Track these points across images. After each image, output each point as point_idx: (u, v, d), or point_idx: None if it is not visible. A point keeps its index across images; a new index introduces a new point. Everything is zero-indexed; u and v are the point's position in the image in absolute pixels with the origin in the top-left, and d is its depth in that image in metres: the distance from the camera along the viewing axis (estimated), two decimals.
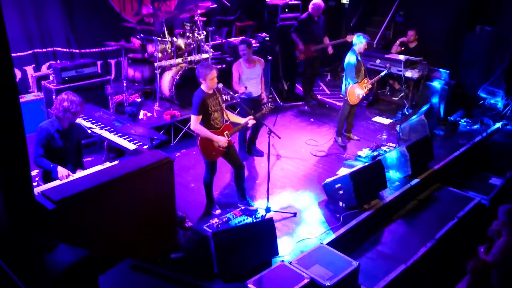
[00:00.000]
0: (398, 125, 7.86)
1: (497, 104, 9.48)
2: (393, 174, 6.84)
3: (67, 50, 8.23)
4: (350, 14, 10.88)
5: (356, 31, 7.83)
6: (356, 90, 7.35)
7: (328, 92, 10.27)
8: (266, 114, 6.26)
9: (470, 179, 7.33)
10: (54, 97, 6.47)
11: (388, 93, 10.00)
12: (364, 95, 7.50)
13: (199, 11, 8.09)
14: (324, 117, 8.95)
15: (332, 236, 5.54)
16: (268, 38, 9.13)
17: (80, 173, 4.77)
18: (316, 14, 8.93)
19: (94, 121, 5.98)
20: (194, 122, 5.47)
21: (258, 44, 8.72)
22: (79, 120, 5.70)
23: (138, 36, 8.09)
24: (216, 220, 5.61)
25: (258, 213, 5.80)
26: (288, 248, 5.31)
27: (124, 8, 8.73)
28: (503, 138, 8.37)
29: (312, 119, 8.87)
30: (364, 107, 9.28)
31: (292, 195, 6.40)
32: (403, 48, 9.38)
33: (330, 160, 7.38)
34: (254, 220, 5.61)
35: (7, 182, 2.68)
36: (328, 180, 6.17)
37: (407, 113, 8.39)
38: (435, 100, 8.70)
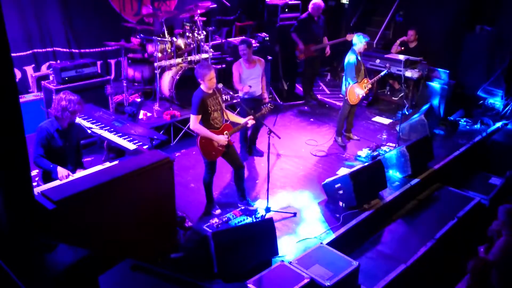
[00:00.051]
0: (398, 125, 7.86)
1: (497, 104, 9.48)
2: (393, 174, 6.84)
3: (67, 50, 8.22)
4: (350, 14, 10.87)
5: (356, 31, 7.83)
6: (356, 90, 7.35)
7: (328, 92, 10.27)
8: (265, 114, 6.26)
9: (470, 178, 7.33)
10: (54, 97, 6.46)
11: (388, 93, 10.00)
12: (364, 95, 7.50)
13: (199, 11, 8.09)
14: (324, 117, 8.95)
15: (332, 236, 5.54)
16: (268, 38, 9.13)
17: (80, 173, 4.77)
18: (316, 14, 8.93)
19: (94, 121, 5.98)
20: (194, 122, 5.48)
21: (258, 44, 8.72)
22: (79, 120, 5.70)
23: (138, 36, 8.09)
24: (216, 220, 5.61)
25: (258, 213, 5.80)
26: (288, 248, 5.31)
27: (124, 8, 8.73)
28: (503, 137, 8.37)
29: (312, 119, 8.87)
30: (364, 107, 9.28)
31: (292, 195, 6.40)
32: (403, 48, 9.37)
33: (330, 160, 7.38)
34: (254, 220, 5.61)
35: (7, 182, 2.68)
36: (328, 180, 6.18)
37: (407, 113, 8.38)
38: (435, 100, 8.70)
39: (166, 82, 7.96)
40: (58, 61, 7.90)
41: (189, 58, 8.19)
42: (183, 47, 8.22)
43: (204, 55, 8.31)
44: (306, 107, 9.38)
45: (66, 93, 4.89)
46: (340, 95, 8.72)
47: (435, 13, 9.60)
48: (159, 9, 8.77)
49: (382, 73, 7.74)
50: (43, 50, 8.00)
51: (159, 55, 7.84)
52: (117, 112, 7.51)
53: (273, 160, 7.07)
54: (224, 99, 7.44)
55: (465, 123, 8.78)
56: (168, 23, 8.37)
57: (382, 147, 7.52)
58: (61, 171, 4.70)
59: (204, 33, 8.23)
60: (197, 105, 5.41)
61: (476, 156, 7.98)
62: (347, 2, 10.82)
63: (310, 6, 8.95)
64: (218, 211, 5.86)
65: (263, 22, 10.11)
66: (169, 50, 7.94)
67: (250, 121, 5.86)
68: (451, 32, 9.64)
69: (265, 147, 5.88)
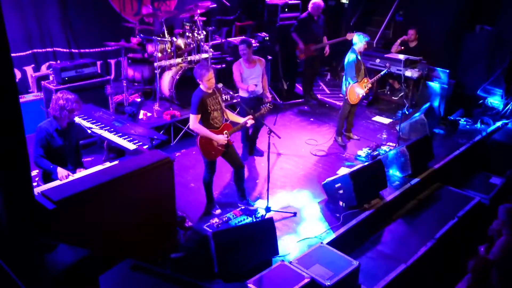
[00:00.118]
0: (398, 125, 7.86)
1: (497, 103, 9.48)
2: (393, 174, 6.84)
3: (67, 50, 8.22)
4: (350, 14, 10.87)
5: (356, 31, 7.83)
6: (356, 89, 7.35)
7: (328, 92, 10.26)
8: (265, 114, 6.26)
9: (470, 178, 7.33)
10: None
11: (388, 92, 10.00)
12: (364, 94, 7.51)
13: (198, 11, 8.09)
14: (324, 117, 8.95)
15: (332, 235, 5.54)
16: (267, 38, 9.13)
17: (80, 173, 4.77)
18: (316, 13, 8.93)
19: (94, 121, 5.98)
20: (193, 121, 5.48)
21: (258, 44, 8.72)
22: (79, 120, 5.70)
23: (138, 36, 8.09)
24: (216, 220, 5.61)
25: (258, 212, 5.80)
26: (288, 248, 5.31)
27: (124, 8, 8.73)
28: (503, 137, 8.37)
29: (312, 119, 8.87)
30: (364, 107, 9.28)
31: (292, 194, 6.40)
32: (403, 48, 9.37)
33: (330, 159, 7.38)
34: (254, 220, 5.61)
35: (7, 182, 2.68)
36: (328, 179, 6.18)
37: (407, 113, 8.39)
38: (435, 99, 8.70)
39: (166, 82, 7.95)
40: (58, 61, 7.90)
41: (189, 58, 8.19)
42: (183, 47, 8.22)
43: (204, 55, 8.31)
44: (306, 107, 9.38)
45: (63, 93, 4.91)
46: (340, 95, 8.72)
47: (435, 12, 9.60)
48: (159, 9, 8.77)
49: (382, 73, 7.74)
50: (43, 50, 7.99)
51: (159, 55, 7.84)
52: (117, 112, 7.50)
53: (273, 160, 7.07)
54: (224, 99, 7.44)
55: (465, 122, 8.78)
56: (168, 23, 8.37)
57: (382, 147, 7.52)
58: (61, 171, 4.70)
59: (204, 33, 8.23)
60: (196, 104, 5.41)
61: (476, 156, 7.98)
62: (347, 2, 10.81)
63: (310, 5, 8.94)
64: (218, 211, 5.86)
65: (263, 22, 10.11)
66: (169, 50, 7.94)
67: (249, 120, 5.86)
68: (451, 32, 9.64)
69: (265, 147, 5.87)
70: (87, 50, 8.43)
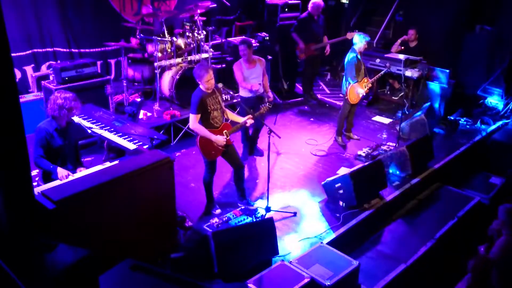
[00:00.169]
0: (398, 125, 7.86)
1: (497, 103, 9.48)
2: (393, 173, 6.83)
3: (67, 50, 8.22)
4: (350, 14, 10.87)
5: (356, 30, 7.83)
6: (356, 89, 7.36)
7: (328, 92, 10.26)
8: (264, 113, 6.26)
9: (470, 178, 7.33)
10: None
11: (388, 92, 9.99)
12: (364, 94, 7.51)
13: (198, 11, 8.09)
14: (324, 117, 8.95)
15: (332, 235, 5.54)
16: (268, 38, 9.13)
17: (80, 173, 4.77)
18: (316, 13, 8.93)
19: (94, 121, 5.98)
20: (193, 121, 5.48)
21: (258, 44, 8.72)
22: (78, 120, 5.70)
23: (138, 36, 8.09)
24: (216, 219, 5.61)
25: (258, 212, 5.80)
26: (288, 248, 5.31)
27: (124, 8, 8.73)
28: (503, 137, 8.38)
29: (312, 119, 8.87)
30: (364, 107, 9.28)
31: (292, 194, 6.40)
32: (403, 48, 9.38)
33: (330, 159, 7.38)
34: (254, 220, 5.61)
35: (7, 182, 2.68)
36: (328, 179, 6.18)
37: (407, 112, 8.39)
38: (435, 99, 8.71)
39: (166, 82, 7.96)
40: (58, 61, 7.90)
41: (189, 58, 8.19)
42: (183, 47, 8.22)
43: (204, 55, 8.31)
44: (306, 107, 9.39)
45: (60, 92, 4.92)
46: (340, 95, 8.72)
47: (435, 12, 9.60)
48: (159, 9, 8.77)
49: (382, 72, 7.75)
50: (43, 50, 7.99)
51: (159, 55, 7.84)
52: (117, 112, 7.51)
53: (273, 160, 7.07)
54: (224, 99, 7.44)
55: (465, 122, 8.77)
56: (168, 23, 8.37)
57: (382, 147, 7.52)
58: (61, 171, 4.70)
59: (204, 32, 8.23)
60: (196, 104, 5.42)
61: (476, 156, 7.98)
62: (347, 2, 10.81)
63: (310, 5, 8.95)
64: (218, 211, 5.86)
65: (263, 22, 10.11)
66: (169, 50, 7.94)
67: (249, 120, 5.86)
68: (451, 32, 9.64)
69: (265, 147, 5.88)
70: (87, 50, 8.44)
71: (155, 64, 7.75)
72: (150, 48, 8.14)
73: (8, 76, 2.58)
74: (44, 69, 8.02)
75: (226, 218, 5.62)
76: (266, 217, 5.66)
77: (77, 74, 7.11)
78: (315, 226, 5.73)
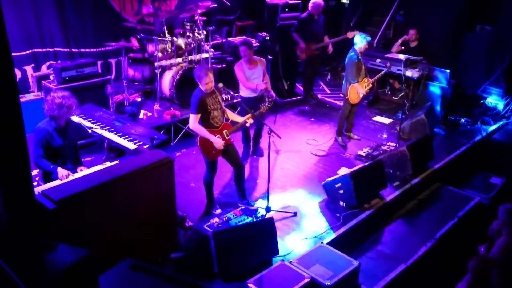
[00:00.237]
0: (398, 125, 7.86)
1: (497, 103, 9.48)
2: (393, 173, 6.83)
3: (67, 49, 8.22)
4: (350, 14, 10.87)
5: (357, 30, 7.83)
6: (356, 89, 7.36)
7: (329, 92, 10.26)
8: (264, 112, 6.26)
9: (471, 178, 7.33)
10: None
11: (388, 92, 9.99)
12: (365, 94, 7.51)
13: (199, 11, 8.09)
14: (325, 117, 8.95)
15: (333, 235, 5.54)
16: (268, 38, 9.12)
17: (80, 173, 4.77)
18: (316, 12, 8.93)
19: (95, 120, 5.98)
20: (193, 121, 5.49)
21: (258, 44, 8.72)
22: (79, 120, 5.71)
23: (138, 36, 8.09)
24: (216, 219, 5.61)
25: (259, 212, 5.80)
26: (288, 248, 5.31)
27: (124, 8, 8.73)
28: (503, 137, 8.38)
29: (312, 119, 8.87)
30: (364, 107, 9.28)
31: (292, 194, 6.40)
32: (403, 48, 9.38)
33: (331, 159, 7.38)
34: (254, 220, 5.61)
35: (7, 182, 2.68)
36: (329, 179, 6.18)
37: (407, 112, 8.39)
38: (435, 99, 8.71)
39: (166, 81, 7.96)
40: (59, 61, 7.90)
41: (189, 58, 8.19)
42: (183, 46, 8.22)
43: (205, 55, 8.31)
44: (306, 107, 9.39)
45: (56, 91, 4.94)
46: (341, 95, 8.72)
47: (435, 13, 9.60)
48: (159, 8, 8.77)
49: (382, 72, 7.75)
50: (43, 50, 7.99)
51: (160, 54, 7.84)
52: (117, 112, 7.51)
53: (273, 160, 7.07)
54: (224, 99, 7.45)
55: (465, 122, 8.77)
56: (169, 22, 8.36)
57: (382, 147, 7.52)
58: (61, 171, 4.71)
59: (205, 32, 8.23)
60: (196, 104, 5.42)
61: (477, 156, 7.98)
62: (347, 2, 10.82)
63: (310, 5, 8.95)
64: (218, 211, 5.86)
65: (263, 22, 10.10)
66: (169, 50, 7.94)
67: (249, 120, 5.86)
68: (451, 32, 9.64)
69: (265, 146, 5.88)
70: (87, 50, 8.44)
71: (156, 64, 7.75)
72: (150, 48, 8.13)
73: (8, 76, 2.58)
74: (44, 69, 8.02)
75: (226, 218, 5.62)
76: (266, 217, 5.66)
77: (77, 74, 7.12)
78: (315, 226, 5.73)
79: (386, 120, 8.79)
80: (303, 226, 5.74)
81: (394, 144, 7.57)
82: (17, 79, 7.61)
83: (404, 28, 9.61)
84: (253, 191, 6.41)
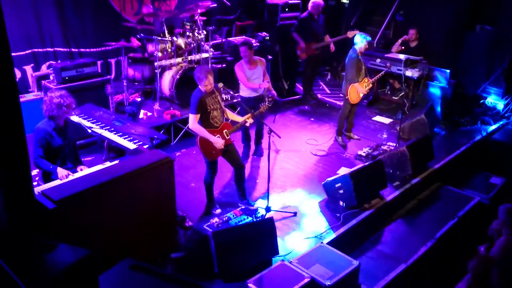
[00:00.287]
0: (398, 125, 7.86)
1: (497, 103, 9.48)
2: (393, 173, 6.83)
3: (67, 49, 8.22)
4: (350, 14, 10.86)
5: (357, 29, 7.83)
6: (356, 89, 7.36)
7: (328, 92, 10.26)
8: (264, 112, 6.26)
9: (471, 178, 7.33)
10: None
11: (388, 92, 9.99)
12: (365, 94, 7.51)
13: (199, 11, 8.09)
14: (325, 117, 8.95)
15: (333, 235, 5.54)
16: (268, 38, 9.12)
17: (80, 173, 4.77)
18: (316, 12, 8.93)
19: (94, 120, 5.98)
20: (192, 121, 5.49)
21: (258, 44, 8.72)
22: (79, 120, 5.71)
23: (138, 36, 8.09)
24: (216, 219, 5.61)
25: (258, 212, 5.80)
26: (288, 248, 5.31)
27: (124, 8, 8.73)
28: (503, 137, 8.37)
29: (312, 119, 8.87)
30: (364, 107, 9.29)
31: (292, 194, 6.40)
32: (403, 48, 9.38)
33: (331, 159, 7.38)
34: (254, 220, 5.61)
35: (7, 182, 2.68)
36: (329, 179, 6.17)
37: (407, 112, 8.38)
38: (435, 99, 8.71)
39: (166, 81, 7.95)
40: (59, 61, 7.90)
41: (189, 58, 8.19)
42: (183, 46, 8.22)
43: (205, 55, 8.31)
44: (306, 107, 9.39)
45: (53, 91, 4.95)
46: (341, 95, 8.72)
47: (435, 12, 9.59)
48: (159, 8, 8.77)
49: (382, 72, 7.75)
50: (43, 50, 7.98)
51: (160, 54, 7.83)
52: (117, 112, 7.51)
53: (273, 160, 7.07)
54: (224, 99, 7.44)
55: (465, 122, 8.77)
56: (169, 22, 8.36)
57: (382, 147, 7.51)
58: (61, 171, 4.70)
59: (204, 32, 8.23)
60: (195, 104, 5.42)
61: (477, 156, 7.98)
62: (347, 2, 10.81)
63: (310, 4, 8.95)
64: (218, 211, 5.86)
65: (263, 22, 10.11)
66: (169, 50, 7.94)
67: (249, 119, 5.86)
68: (452, 32, 9.64)
69: (265, 146, 5.87)
70: (87, 50, 8.43)
71: (156, 63, 7.75)
72: (150, 47, 8.13)
73: (8, 75, 2.58)
74: (44, 68, 8.01)
75: (226, 218, 5.62)
76: (266, 217, 5.66)
77: (77, 74, 7.12)
78: (315, 226, 5.73)
79: (386, 120, 8.79)
80: (303, 226, 5.74)
81: (394, 144, 7.57)
82: (17, 79, 7.61)
83: (404, 28, 9.61)
84: (253, 191, 6.41)
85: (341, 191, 5.97)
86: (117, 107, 7.78)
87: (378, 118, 8.88)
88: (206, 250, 4.71)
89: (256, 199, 6.21)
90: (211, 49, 8.41)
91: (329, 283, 4.45)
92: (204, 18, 8.57)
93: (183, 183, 6.46)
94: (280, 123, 8.33)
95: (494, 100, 9.55)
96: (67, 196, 4.03)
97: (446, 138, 8.26)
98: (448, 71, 8.68)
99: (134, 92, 8.43)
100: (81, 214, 4.14)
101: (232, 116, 5.92)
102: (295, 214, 5.92)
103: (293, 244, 5.40)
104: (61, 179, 4.62)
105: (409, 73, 8.68)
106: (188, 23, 8.24)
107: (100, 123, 5.92)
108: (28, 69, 7.86)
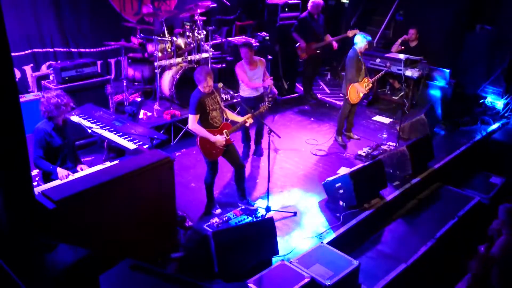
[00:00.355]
0: (398, 124, 7.86)
1: (497, 103, 9.48)
2: (393, 173, 6.83)
3: (67, 49, 8.21)
4: (350, 14, 10.87)
5: (357, 28, 7.84)
6: (356, 89, 7.36)
7: (328, 91, 10.26)
8: (263, 112, 6.26)
9: (470, 178, 7.33)
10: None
11: (388, 92, 9.99)
12: (365, 93, 7.51)
13: (199, 11, 8.09)
14: (324, 116, 8.95)
15: (333, 235, 5.54)
16: (268, 38, 9.13)
17: (80, 173, 4.77)
18: (316, 12, 8.93)
19: (94, 120, 5.98)
20: (192, 122, 5.49)
21: (258, 44, 8.72)
22: (78, 120, 5.71)
23: (138, 36, 8.09)
24: (216, 219, 5.61)
25: (258, 212, 5.80)
26: (288, 247, 5.31)
27: (124, 8, 8.73)
28: (503, 136, 8.37)
29: (312, 118, 8.87)
30: (364, 106, 9.29)
31: (292, 194, 6.40)
32: (403, 47, 9.38)
33: (330, 159, 7.38)
34: (254, 220, 5.61)
35: (7, 182, 2.68)
36: (329, 179, 6.17)
37: (407, 112, 8.38)
38: (435, 99, 8.70)
39: (166, 81, 7.95)
40: (58, 61, 7.90)
41: (189, 58, 8.19)
42: (183, 46, 8.22)
43: (204, 55, 8.31)
44: (306, 106, 9.39)
45: (48, 92, 4.99)
46: (340, 94, 8.72)
47: (435, 12, 9.60)
48: (159, 8, 8.77)
49: (382, 72, 7.76)
50: (43, 50, 7.98)
51: (159, 54, 7.83)
52: (117, 112, 7.51)
53: (273, 160, 7.07)
54: (224, 99, 7.44)
55: (465, 122, 8.77)
56: (168, 22, 8.36)
57: (382, 146, 7.51)
58: (61, 171, 4.71)
59: (204, 32, 8.23)
60: (195, 105, 5.42)
61: (477, 155, 7.98)
62: (347, 2, 10.81)
63: (310, 4, 8.94)
64: (218, 211, 5.86)
65: (263, 22, 10.11)
66: (169, 50, 7.94)
67: (248, 119, 5.86)
68: (451, 32, 9.64)
69: (265, 146, 5.87)
70: (87, 50, 8.43)
71: (155, 63, 7.75)
72: (150, 47, 8.13)
73: (8, 76, 2.58)
74: (44, 69, 8.01)
75: (226, 218, 5.62)
76: (266, 217, 5.66)
77: (77, 74, 7.12)
78: (315, 226, 5.73)
79: (386, 120, 8.79)
80: (303, 226, 5.74)
81: (394, 144, 7.57)
82: (17, 79, 7.60)
83: (404, 27, 9.61)
84: (253, 191, 6.41)
85: (341, 191, 5.97)
86: (117, 107, 7.78)
87: (378, 118, 8.88)
88: (206, 250, 4.71)
89: (256, 199, 6.21)
90: (211, 49, 8.41)
91: (329, 283, 4.45)
92: (204, 18, 8.57)
93: (183, 183, 6.46)
94: (280, 123, 8.33)
95: (494, 100, 9.55)
96: (67, 196, 4.03)
97: (446, 138, 8.26)
98: (448, 71, 8.69)
99: (134, 92, 8.43)
100: (81, 214, 4.14)
101: (232, 116, 5.92)
102: (295, 214, 5.92)
103: (293, 244, 5.40)
104: (61, 179, 4.62)
105: (409, 73, 8.68)
106: (188, 23, 8.24)
107: (100, 123, 5.92)
108: (28, 69, 7.86)
